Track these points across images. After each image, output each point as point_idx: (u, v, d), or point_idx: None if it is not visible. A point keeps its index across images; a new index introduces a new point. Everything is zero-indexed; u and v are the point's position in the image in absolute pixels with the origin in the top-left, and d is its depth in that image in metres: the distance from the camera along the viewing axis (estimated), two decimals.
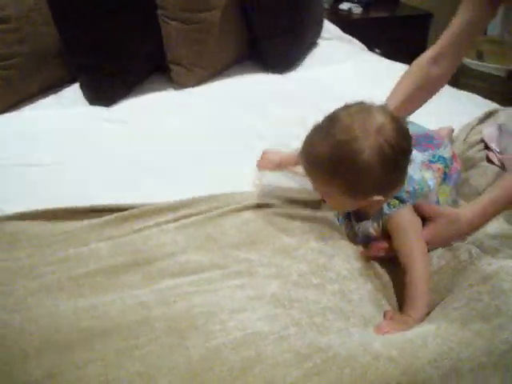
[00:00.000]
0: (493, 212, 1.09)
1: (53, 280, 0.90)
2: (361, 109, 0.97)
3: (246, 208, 1.13)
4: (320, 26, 2.10)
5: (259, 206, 1.14)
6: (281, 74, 1.91)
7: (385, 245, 1.05)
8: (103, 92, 1.59)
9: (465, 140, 1.47)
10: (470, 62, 3.14)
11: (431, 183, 1.10)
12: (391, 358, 0.80)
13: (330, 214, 1.13)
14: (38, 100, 1.57)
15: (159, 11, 1.68)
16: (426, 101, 1.30)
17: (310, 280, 0.97)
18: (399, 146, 0.96)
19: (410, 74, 1.31)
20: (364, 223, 1.09)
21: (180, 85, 1.74)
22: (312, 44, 2.11)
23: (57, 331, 0.80)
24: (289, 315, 0.88)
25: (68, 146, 1.34)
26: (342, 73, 1.94)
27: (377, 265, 1.04)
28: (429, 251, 1.04)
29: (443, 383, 0.80)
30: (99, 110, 1.55)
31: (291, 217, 1.12)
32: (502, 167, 1.37)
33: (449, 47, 1.28)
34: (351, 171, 0.94)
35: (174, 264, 0.96)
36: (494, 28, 3.63)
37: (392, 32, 2.98)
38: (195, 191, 1.16)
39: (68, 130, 1.41)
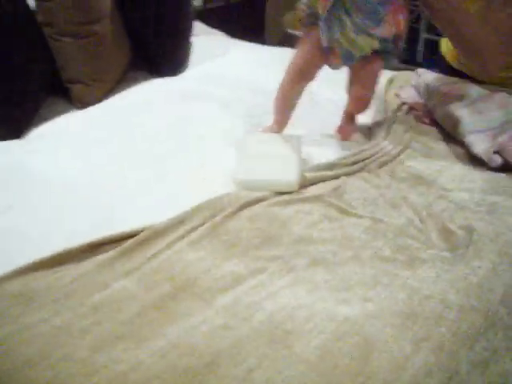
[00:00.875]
0: None
1: (107, 331, 0.80)
2: None
3: (241, 208, 1.09)
4: (191, 23, 2.07)
5: (251, 203, 1.10)
6: (174, 75, 1.86)
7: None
8: (6, 124, 1.42)
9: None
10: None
11: None
12: (473, 307, 0.84)
13: (318, 191, 1.15)
14: None
15: (46, 29, 1.53)
16: None
17: (346, 254, 0.97)
18: None
19: None
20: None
21: (83, 103, 1.60)
22: (190, 42, 2.07)
23: (161, 381, 0.71)
24: (355, 294, 0.87)
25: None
26: (229, 62, 1.95)
27: None
28: None
29: (509, 318, 0.86)
30: (12, 144, 1.38)
31: (288, 202, 1.11)
32: (432, 125, 1.47)
33: None
34: None
35: (215, 279, 0.90)
36: None
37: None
38: (171, 204, 1.10)
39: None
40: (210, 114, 1.51)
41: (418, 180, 1.22)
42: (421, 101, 1.54)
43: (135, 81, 1.79)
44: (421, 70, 1.61)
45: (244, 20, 3.24)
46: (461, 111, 1.36)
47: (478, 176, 1.22)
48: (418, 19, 4.38)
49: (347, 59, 1.28)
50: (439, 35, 4.29)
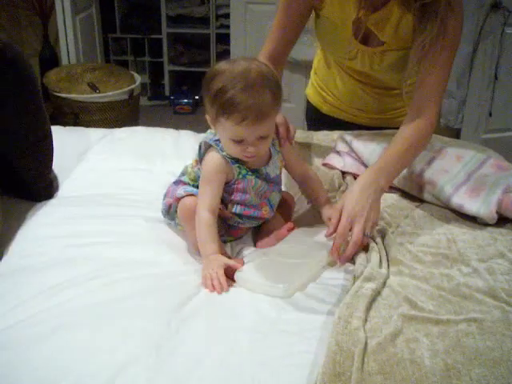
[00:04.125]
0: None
1: None
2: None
3: None
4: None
5: None
6: (51, 198, 1.49)
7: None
8: None
9: None
10: (87, 96, 3.00)
11: None
12: None
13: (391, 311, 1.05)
14: None
15: None
16: None
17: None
18: None
19: None
20: (272, 161, 1.25)
21: None
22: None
23: None
24: None
25: None
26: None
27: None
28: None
29: None
30: None
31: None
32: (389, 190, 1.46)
33: (278, 48, 1.51)
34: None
35: None
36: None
37: None
38: None
39: None
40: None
41: (445, 258, 1.21)
42: (362, 166, 1.51)
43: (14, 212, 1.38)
44: (347, 136, 1.57)
45: None
46: (427, 174, 1.38)
47: (487, 236, 1.27)
48: (160, 52, 4.34)
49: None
50: (183, 65, 4.34)
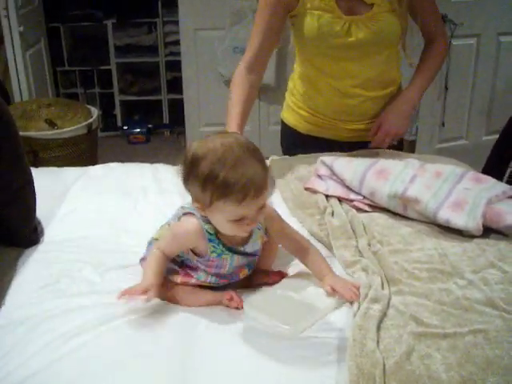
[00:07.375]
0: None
1: None
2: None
3: None
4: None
5: None
6: (37, 243, 1.45)
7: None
8: None
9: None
10: (45, 133, 2.95)
11: None
12: None
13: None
14: None
15: None
16: (253, 104, 1.68)
17: None
18: None
19: (238, 86, 1.64)
20: (251, 240, 1.17)
21: None
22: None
23: None
24: None
25: None
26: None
27: None
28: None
29: None
30: None
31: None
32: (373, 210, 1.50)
33: (258, 55, 1.64)
34: None
35: None
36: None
37: None
38: None
39: None
40: None
41: (440, 273, 1.25)
42: (345, 189, 1.55)
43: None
44: (327, 159, 1.61)
45: None
46: (410, 192, 1.42)
47: (475, 247, 1.32)
48: (109, 82, 4.31)
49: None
50: (133, 94, 4.32)
